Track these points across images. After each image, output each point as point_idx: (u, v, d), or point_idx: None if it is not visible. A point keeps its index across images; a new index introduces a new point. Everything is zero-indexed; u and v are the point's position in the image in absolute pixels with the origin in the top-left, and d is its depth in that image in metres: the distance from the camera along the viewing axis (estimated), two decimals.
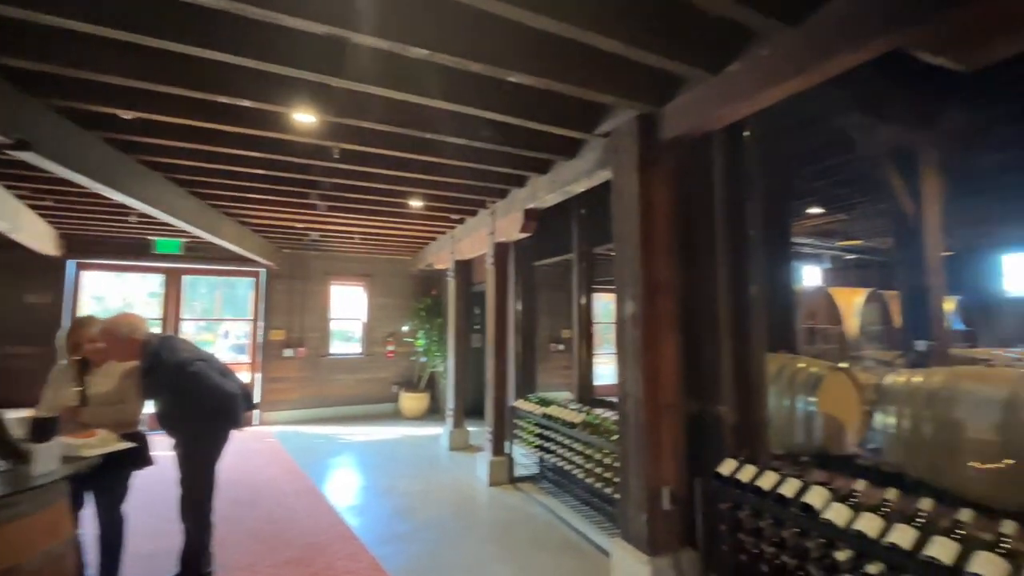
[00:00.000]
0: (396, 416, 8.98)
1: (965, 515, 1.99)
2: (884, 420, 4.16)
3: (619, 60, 2.61)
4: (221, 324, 11.41)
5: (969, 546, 1.82)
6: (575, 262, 5.62)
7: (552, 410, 4.43)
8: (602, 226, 4.71)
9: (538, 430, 4.57)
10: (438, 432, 7.14)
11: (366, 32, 2.21)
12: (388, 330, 9.52)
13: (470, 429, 6.67)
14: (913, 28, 1.81)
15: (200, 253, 7.90)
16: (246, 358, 8.95)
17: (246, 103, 2.86)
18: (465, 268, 6.68)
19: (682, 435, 3.05)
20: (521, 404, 4.94)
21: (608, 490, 3.62)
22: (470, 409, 7.05)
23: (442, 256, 7.30)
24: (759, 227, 3.36)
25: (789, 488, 2.44)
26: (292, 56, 2.46)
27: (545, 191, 4.28)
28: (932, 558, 1.84)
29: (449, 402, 6.52)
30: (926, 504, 2.13)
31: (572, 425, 4.04)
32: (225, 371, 3.10)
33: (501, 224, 5.05)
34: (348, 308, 9.64)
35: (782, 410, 4.99)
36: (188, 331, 10.74)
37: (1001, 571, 1.71)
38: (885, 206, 5.53)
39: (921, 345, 5.89)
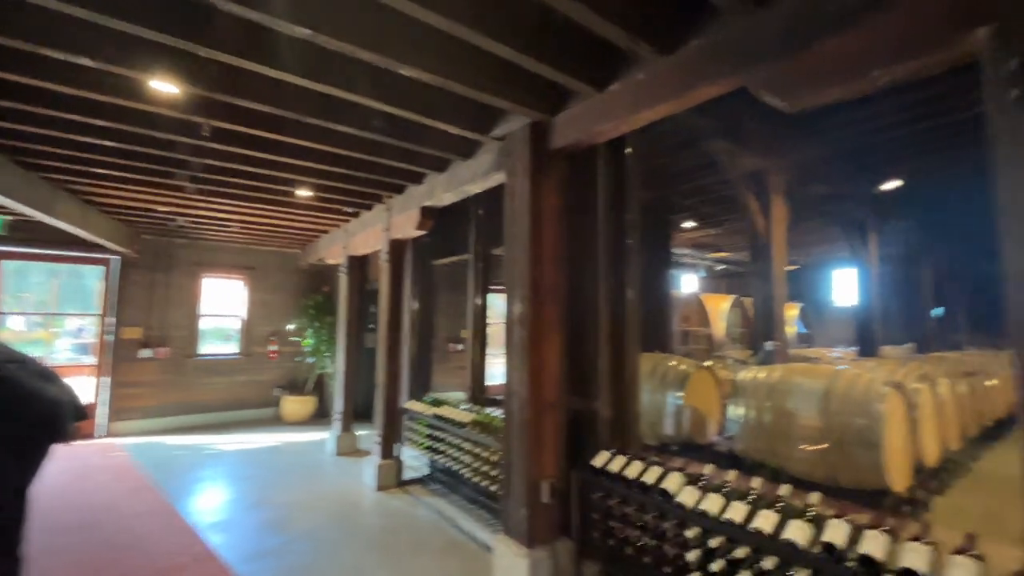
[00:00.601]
0: (277, 422, 8.31)
1: (785, 490, 2.33)
2: (736, 411, 4.75)
3: (514, 67, 2.67)
4: (60, 320, 9.68)
5: (786, 515, 2.14)
6: (472, 262, 5.65)
7: (443, 410, 4.40)
8: (499, 228, 4.79)
9: (429, 431, 4.52)
10: (324, 437, 6.73)
11: (236, 0, 2.01)
12: (271, 329, 8.78)
13: (359, 433, 6.38)
14: (754, 71, 2.09)
15: (29, 234, 6.63)
16: (91, 359, 7.68)
17: (85, 61, 2.46)
18: (359, 264, 6.39)
19: (563, 431, 3.20)
20: (413, 405, 4.85)
21: (495, 488, 3.69)
22: (361, 412, 6.75)
23: (334, 251, 6.92)
24: (640, 238, 3.66)
25: (651, 476, 2.67)
26: (143, 14, 2.16)
27: (442, 189, 4.25)
28: (758, 529, 2.13)
29: (338, 405, 6.19)
30: (757, 483, 2.46)
31: (462, 425, 4.05)
32: (48, 375, 2.62)
33: (397, 220, 4.91)
34: (225, 304, 8.72)
35: (655, 404, 5.47)
36: (14, 327, 8.98)
37: (807, 534, 2.03)
38: (744, 224, 6.31)
39: (769, 345, 6.81)
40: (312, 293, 8.84)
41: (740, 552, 2.18)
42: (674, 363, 5.62)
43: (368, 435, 5.87)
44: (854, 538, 1.94)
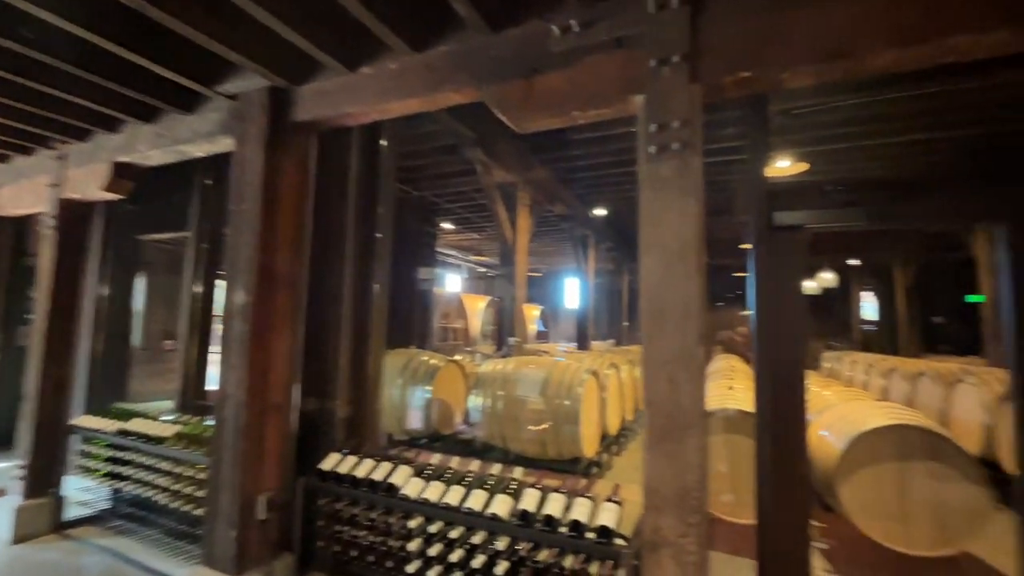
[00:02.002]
0: None
1: (499, 469, 2.61)
2: (475, 401, 5.18)
3: (249, 18, 2.29)
4: None
5: (493, 491, 2.39)
6: (193, 241, 4.67)
7: (134, 424, 3.49)
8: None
9: (111, 452, 3.52)
10: None
11: None
12: None
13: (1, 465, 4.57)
14: (488, 88, 2.28)
15: None
16: None
17: None
18: (11, 229, 4.58)
19: (290, 436, 2.90)
20: (87, 421, 3.70)
21: (202, 511, 3.09)
22: (4, 434, 4.84)
23: None
24: (394, 232, 3.61)
25: (380, 473, 2.65)
26: None
27: (148, 145, 3.37)
28: (470, 508, 2.32)
29: None
30: (475, 465, 2.69)
31: (160, 440, 3.28)
32: None
33: (76, 176, 3.68)
34: None
35: (406, 399, 5.55)
36: None
37: (508, 505, 2.30)
38: (496, 231, 6.98)
39: (511, 341, 7.70)
40: None
41: (455, 532, 2.34)
42: (425, 358, 5.80)
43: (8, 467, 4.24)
44: (542, 502, 2.29)
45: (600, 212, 9.04)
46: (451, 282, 17.31)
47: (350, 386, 3.19)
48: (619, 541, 2.07)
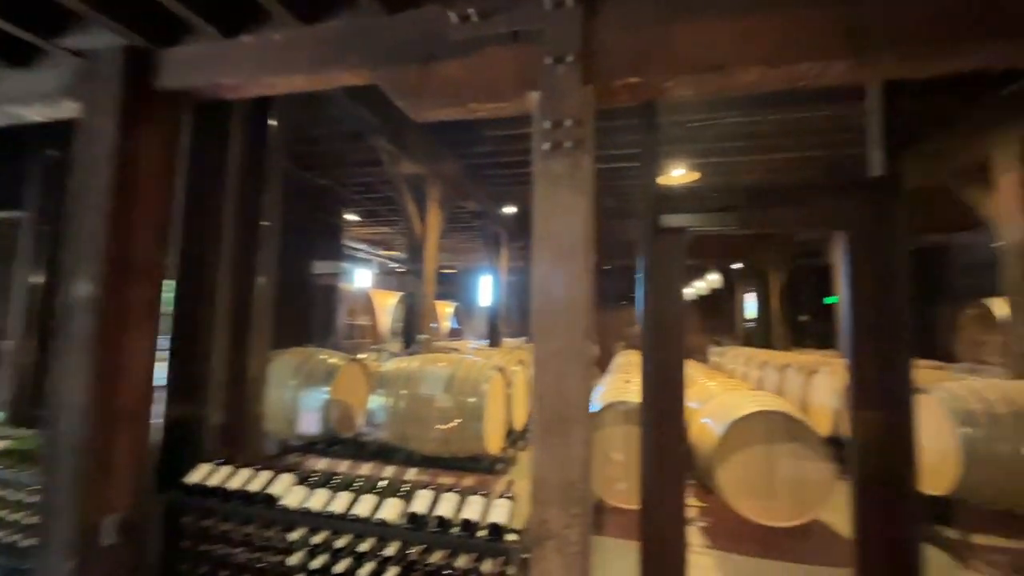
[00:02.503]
0: None
1: (389, 471, 2.50)
2: (377, 401, 4.97)
3: None
4: None
5: (383, 495, 2.28)
6: (29, 223, 3.92)
7: None
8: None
9: None
10: None
11: None
12: None
13: None
14: (382, 70, 2.16)
15: None
16: None
17: None
18: None
19: (149, 448, 2.55)
20: None
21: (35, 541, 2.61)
22: None
23: None
24: (282, 220, 3.32)
25: (258, 483, 2.42)
26: None
27: None
28: (357, 515, 2.19)
29: None
30: (369, 469, 2.56)
31: None
32: None
33: None
34: None
35: (300, 401, 5.17)
36: None
37: (398, 509, 2.21)
38: (404, 225, 6.76)
39: (419, 338, 7.51)
40: None
41: (341, 541, 2.19)
42: (324, 357, 5.46)
43: None
44: (435, 503, 2.22)
45: (511, 210, 9.14)
46: (361, 277, 16.55)
47: (226, 389, 2.88)
48: (511, 537, 2.06)
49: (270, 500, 2.34)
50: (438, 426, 4.99)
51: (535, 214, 1.92)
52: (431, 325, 7.75)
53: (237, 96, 2.66)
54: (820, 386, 5.95)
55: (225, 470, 2.52)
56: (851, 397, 2.28)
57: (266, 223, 3.14)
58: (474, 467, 4.81)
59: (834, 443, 4.52)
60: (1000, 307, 6.66)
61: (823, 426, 5.22)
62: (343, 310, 9.96)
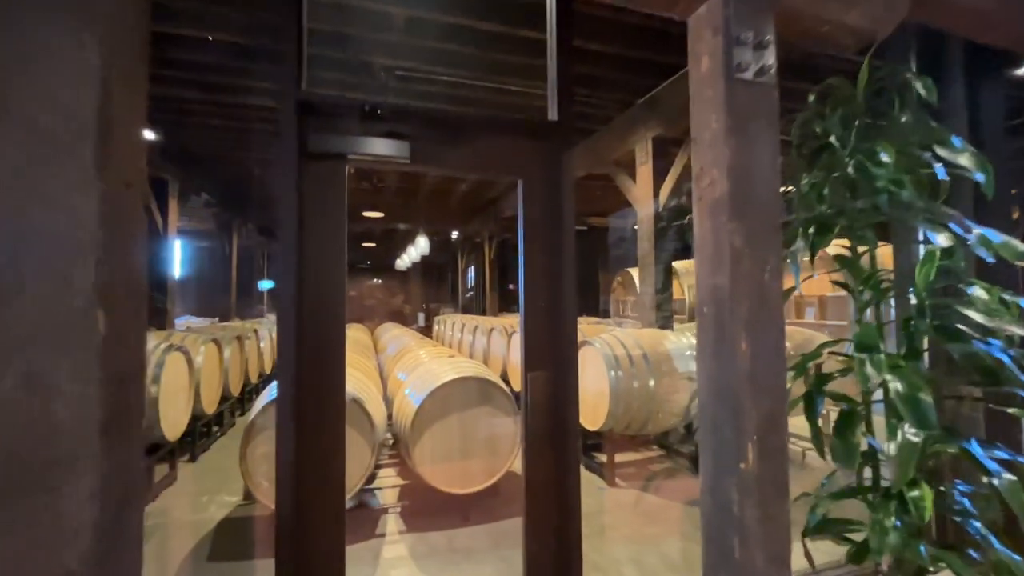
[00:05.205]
0: None
1: None
2: None
3: None
4: None
5: None
6: None
7: None
8: None
9: None
10: None
11: None
12: None
13: None
14: None
15: None
16: None
17: None
18: None
19: None
20: None
21: None
22: None
23: None
24: None
25: None
26: None
27: None
28: None
29: None
30: None
31: None
32: None
33: None
34: None
35: None
36: None
37: None
38: None
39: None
40: None
41: None
42: None
43: None
44: None
45: None
46: None
47: None
48: None
49: None
50: None
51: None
52: None
53: None
54: (519, 345, 6.51)
55: None
56: (522, 358, 2.17)
57: None
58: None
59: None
60: (636, 274, 8.68)
61: (517, 383, 5.67)
62: None
